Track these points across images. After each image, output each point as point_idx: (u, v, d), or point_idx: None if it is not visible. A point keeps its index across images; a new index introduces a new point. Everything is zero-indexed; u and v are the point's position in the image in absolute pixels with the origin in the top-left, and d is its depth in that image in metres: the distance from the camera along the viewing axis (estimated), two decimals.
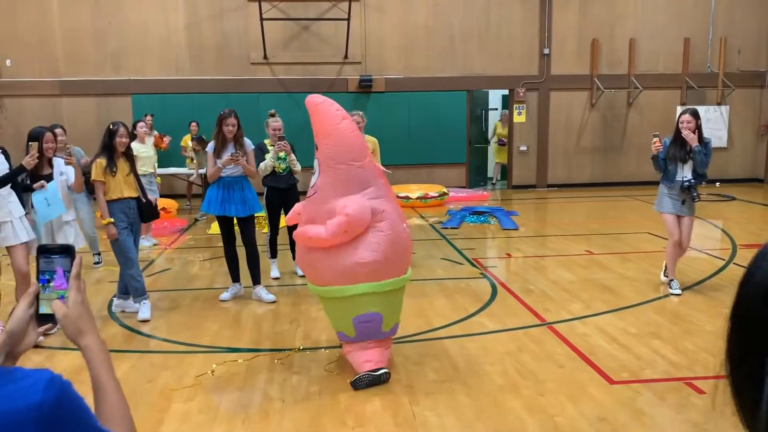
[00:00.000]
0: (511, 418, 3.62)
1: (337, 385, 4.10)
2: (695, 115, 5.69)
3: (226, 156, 5.64)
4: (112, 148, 5.40)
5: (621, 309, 5.55)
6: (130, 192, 5.45)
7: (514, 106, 13.79)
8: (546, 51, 13.51)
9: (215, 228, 9.55)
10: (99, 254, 7.38)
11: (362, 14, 12.88)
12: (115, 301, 5.75)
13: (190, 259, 7.83)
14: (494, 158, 15.17)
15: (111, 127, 5.44)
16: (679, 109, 14.17)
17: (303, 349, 4.72)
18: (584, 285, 6.29)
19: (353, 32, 12.72)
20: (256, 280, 6.00)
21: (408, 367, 4.34)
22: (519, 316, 5.41)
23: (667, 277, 6.10)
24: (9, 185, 4.84)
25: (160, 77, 12.76)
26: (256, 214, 6.06)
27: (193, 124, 11.22)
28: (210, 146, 5.79)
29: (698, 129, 5.68)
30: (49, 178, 5.22)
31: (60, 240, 5.27)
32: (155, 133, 10.52)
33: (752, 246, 7.77)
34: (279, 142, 6.14)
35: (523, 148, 13.91)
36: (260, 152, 6.30)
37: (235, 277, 6.07)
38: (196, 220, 10.39)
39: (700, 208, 10.88)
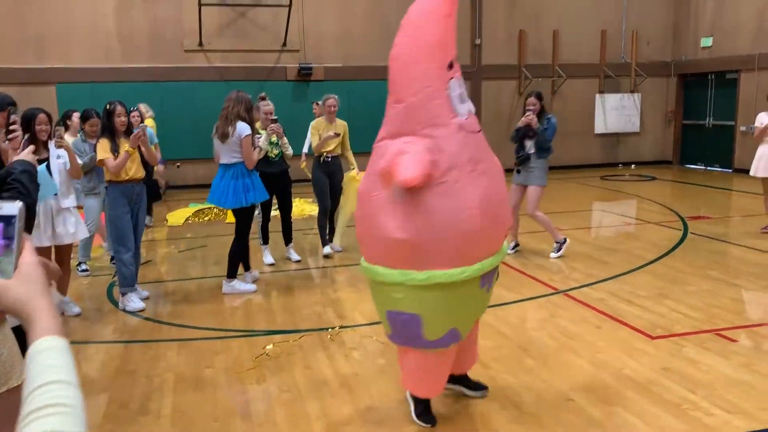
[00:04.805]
0: (585, 374, 3.83)
1: None
2: (538, 96, 6.55)
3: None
4: (113, 129, 5.12)
5: (618, 276, 5.93)
6: (138, 172, 5.19)
7: None
8: (478, 41, 13.96)
9: (173, 219, 9.25)
10: (85, 263, 6.41)
11: (300, 1, 12.74)
12: (121, 297, 5.41)
13: (166, 251, 7.51)
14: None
15: (108, 107, 5.14)
16: (598, 98, 15.26)
17: (344, 327, 4.73)
18: (572, 257, 6.64)
19: (291, 20, 12.56)
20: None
21: None
22: (530, 287, 5.66)
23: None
24: None
25: (87, 65, 12.02)
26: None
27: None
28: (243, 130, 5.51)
29: (542, 109, 6.53)
30: (45, 162, 4.86)
31: (59, 229, 4.92)
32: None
33: (695, 218, 8.49)
34: (272, 125, 6.03)
35: None
36: None
37: (248, 266, 5.94)
38: None
39: (633, 187, 11.80)
